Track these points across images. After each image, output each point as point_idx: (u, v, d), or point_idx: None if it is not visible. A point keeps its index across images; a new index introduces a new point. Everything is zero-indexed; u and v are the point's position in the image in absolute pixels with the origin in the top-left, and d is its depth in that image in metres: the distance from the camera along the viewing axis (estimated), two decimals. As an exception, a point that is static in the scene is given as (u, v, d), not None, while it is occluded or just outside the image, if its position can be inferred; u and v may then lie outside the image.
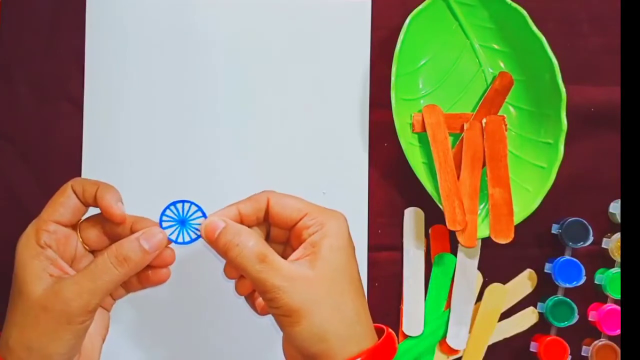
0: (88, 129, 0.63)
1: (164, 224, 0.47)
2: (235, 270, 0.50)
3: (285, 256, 0.47)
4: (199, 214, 0.47)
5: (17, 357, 0.44)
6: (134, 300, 0.55)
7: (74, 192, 0.47)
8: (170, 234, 0.47)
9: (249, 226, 0.48)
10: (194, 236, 0.47)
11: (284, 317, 0.45)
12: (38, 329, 0.44)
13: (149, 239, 0.46)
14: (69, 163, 0.62)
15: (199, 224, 0.47)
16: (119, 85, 0.63)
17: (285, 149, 0.63)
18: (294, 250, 0.48)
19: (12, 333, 0.44)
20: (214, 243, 0.46)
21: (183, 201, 0.47)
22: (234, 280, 0.51)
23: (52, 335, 0.44)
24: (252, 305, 0.51)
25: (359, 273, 0.48)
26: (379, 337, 0.47)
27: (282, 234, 0.50)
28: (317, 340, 0.44)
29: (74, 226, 0.49)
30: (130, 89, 0.63)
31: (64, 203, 0.47)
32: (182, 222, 0.47)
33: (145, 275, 0.49)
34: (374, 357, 0.45)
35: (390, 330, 0.48)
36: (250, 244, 0.45)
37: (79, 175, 0.62)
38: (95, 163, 0.62)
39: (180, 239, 0.47)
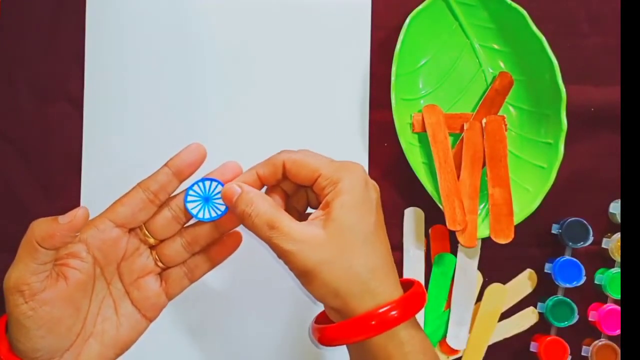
0: (88, 129, 0.63)
1: (189, 200, 0.48)
2: None
3: (316, 207, 0.49)
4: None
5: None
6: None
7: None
8: (193, 209, 0.48)
9: (270, 186, 0.50)
10: (215, 213, 0.48)
11: (300, 277, 0.47)
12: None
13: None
14: (69, 163, 0.62)
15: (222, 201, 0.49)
16: (119, 85, 0.63)
17: (286, 149, 0.63)
18: (319, 204, 0.49)
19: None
20: (233, 209, 0.48)
21: (210, 179, 0.49)
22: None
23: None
24: None
25: (377, 227, 0.47)
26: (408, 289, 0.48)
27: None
28: (332, 297, 0.46)
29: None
30: (130, 89, 0.63)
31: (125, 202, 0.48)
32: (206, 200, 0.49)
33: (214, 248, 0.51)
34: (399, 309, 0.46)
35: (418, 283, 0.49)
36: (262, 211, 0.46)
37: (79, 175, 0.62)
38: (95, 163, 0.62)
39: (201, 215, 0.48)
